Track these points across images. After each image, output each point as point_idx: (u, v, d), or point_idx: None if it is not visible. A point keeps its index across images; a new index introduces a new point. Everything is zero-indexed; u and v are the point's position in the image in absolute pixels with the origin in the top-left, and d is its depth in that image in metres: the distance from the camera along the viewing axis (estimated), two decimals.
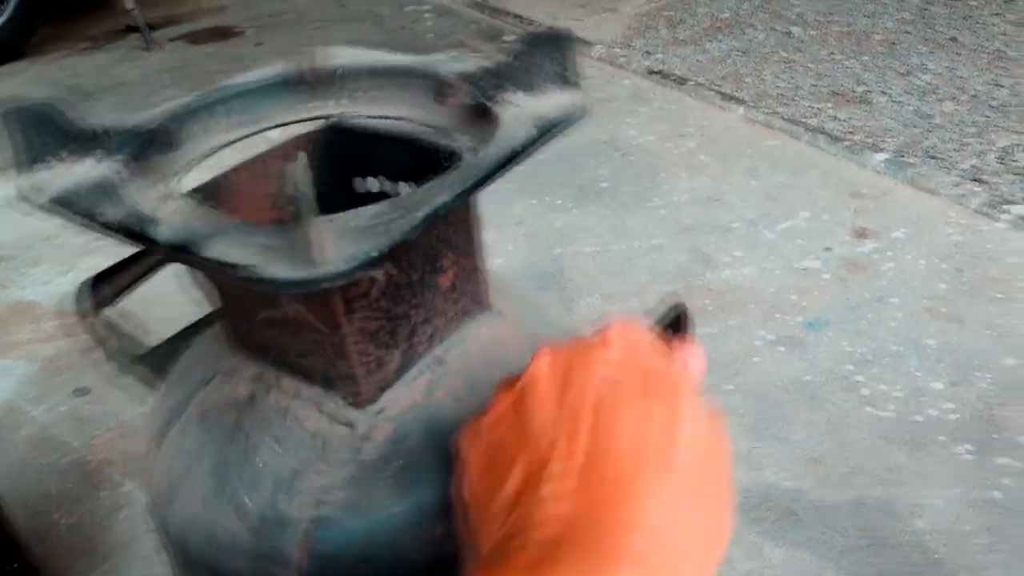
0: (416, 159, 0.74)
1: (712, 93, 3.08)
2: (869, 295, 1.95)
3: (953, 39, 3.38)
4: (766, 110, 2.93)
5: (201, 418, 0.65)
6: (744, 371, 1.75)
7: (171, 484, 0.64)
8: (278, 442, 0.62)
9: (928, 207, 2.26)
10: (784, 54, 3.47)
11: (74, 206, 0.55)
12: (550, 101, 0.67)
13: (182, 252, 0.51)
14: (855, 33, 3.56)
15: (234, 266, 0.48)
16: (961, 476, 1.47)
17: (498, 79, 0.68)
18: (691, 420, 0.40)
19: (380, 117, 0.77)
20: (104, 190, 0.57)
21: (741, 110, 2.93)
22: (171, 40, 4.20)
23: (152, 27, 4.16)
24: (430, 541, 0.62)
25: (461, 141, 0.71)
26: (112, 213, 0.54)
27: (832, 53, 3.43)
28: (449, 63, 0.74)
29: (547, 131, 0.62)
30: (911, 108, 2.90)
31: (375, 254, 0.49)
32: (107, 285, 0.77)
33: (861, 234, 2.18)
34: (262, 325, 0.64)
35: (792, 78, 3.23)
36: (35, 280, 2.28)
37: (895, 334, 1.81)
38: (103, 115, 0.64)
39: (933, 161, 2.53)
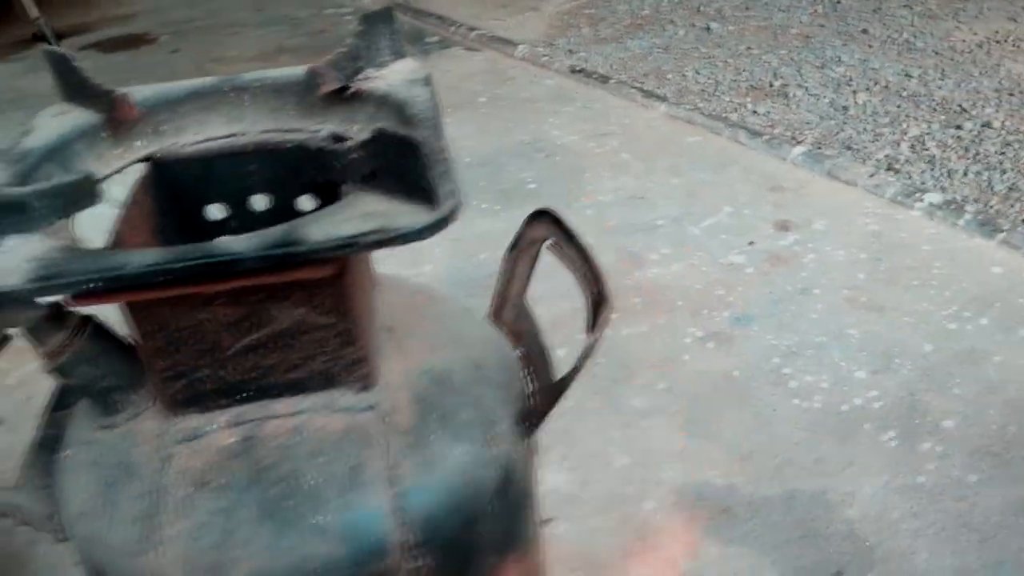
0: (273, 164, 0.77)
1: (634, 91, 3.10)
2: (792, 288, 1.98)
3: (865, 31, 3.47)
4: (688, 106, 2.96)
5: (198, 488, 0.62)
6: (675, 370, 1.76)
7: (210, 562, 0.60)
8: (314, 456, 0.63)
9: (846, 198, 2.31)
10: (704, 50, 3.52)
11: (84, 273, 0.51)
12: (398, 71, 0.74)
13: (285, 251, 0.52)
14: (772, 27, 3.63)
15: (361, 236, 0.53)
16: (887, 463, 1.50)
17: (353, 61, 0.74)
18: None
19: (209, 140, 0.78)
20: (83, 253, 0.54)
21: (663, 107, 2.96)
22: (81, 49, 4.06)
23: (60, 36, 4.02)
24: (498, 459, 0.70)
25: (329, 126, 0.75)
26: (150, 257, 0.52)
27: (750, 48, 3.48)
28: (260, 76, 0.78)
29: (427, 84, 0.71)
30: (827, 100, 2.96)
31: (458, 187, 0.56)
32: None
33: (783, 227, 2.22)
34: (235, 360, 0.62)
35: (712, 73, 3.28)
36: None
37: (818, 325, 1.85)
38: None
39: (849, 152, 2.59)
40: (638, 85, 3.17)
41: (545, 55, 3.53)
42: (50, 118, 0.74)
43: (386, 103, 0.74)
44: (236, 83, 0.80)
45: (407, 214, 0.56)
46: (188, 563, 0.63)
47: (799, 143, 2.64)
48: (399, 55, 0.79)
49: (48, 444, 0.77)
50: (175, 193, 0.78)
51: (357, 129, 0.75)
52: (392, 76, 0.77)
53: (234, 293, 0.61)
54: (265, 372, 0.66)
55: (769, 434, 1.59)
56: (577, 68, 3.36)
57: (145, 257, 0.53)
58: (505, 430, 0.75)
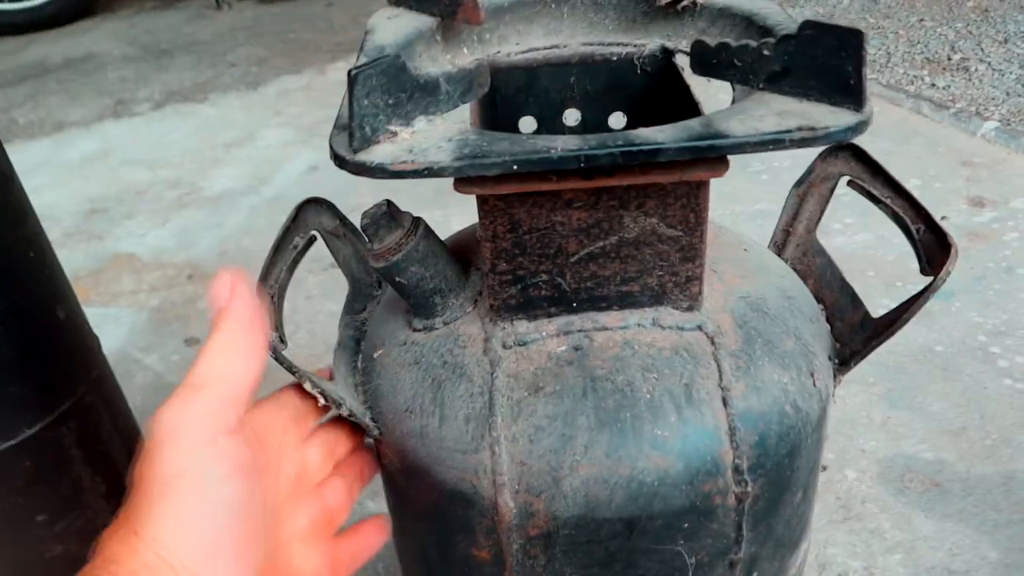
0: (595, 77, 0.75)
1: None
2: (994, 265, 1.88)
3: None
4: None
5: (533, 392, 0.62)
6: None
7: (547, 465, 0.60)
8: (647, 370, 0.60)
9: None
10: (872, 20, 3.37)
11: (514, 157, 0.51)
12: None
13: (709, 144, 0.50)
14: None
15: (786, 133, 0.50)
16: None
17: None
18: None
19: (532, 50, 0.77)
20: (498, 136, 0.53)
21: None
22: (239, 0, 4.17)
23: None
24: (820, 392, 0.68)
25: (656, 39, 0.73)
26: (572, 143, 0.52)
27: (922, 20, 3.31)
28: None
29: None
30: (1013, 76, 2.79)
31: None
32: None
33: (978, 203, 2.10)
34: (575, 268, 0.61)
35: (883, 44, 3.13)
36: (131, 232, 2.27)
37: None
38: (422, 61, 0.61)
39: None
40: None
41: None
42: (385, 20, 0.74)
43: (726, 16, 0.71)
44: None
45: (826, 114, 0.53)
46: (525, 464, 0.61)
47: (987, 118, 2.49)
48: None
49: (349, 345, 0.78)
50: (493, 102, 0.77)
51: (685, 43, 0.74)
52: None
53: (594, 196, 0.59)
54: (600, 283, 0.64)
55: (980, 412, 1.51)
56: None
57: (568, 142, 0.51)
58: (823, 364, 0.72)
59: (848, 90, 0.52)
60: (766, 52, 0.55)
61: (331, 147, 0.51)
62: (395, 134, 0.51)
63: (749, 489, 0.65)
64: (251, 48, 3.53)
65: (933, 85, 2.79)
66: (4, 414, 0.95)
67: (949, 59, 2.97)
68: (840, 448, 1.47)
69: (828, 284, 0.84)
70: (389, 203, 0.64)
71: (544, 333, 0.65)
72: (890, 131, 2.48)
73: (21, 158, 2.66)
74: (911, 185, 2.17)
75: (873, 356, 1.68)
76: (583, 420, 0.61)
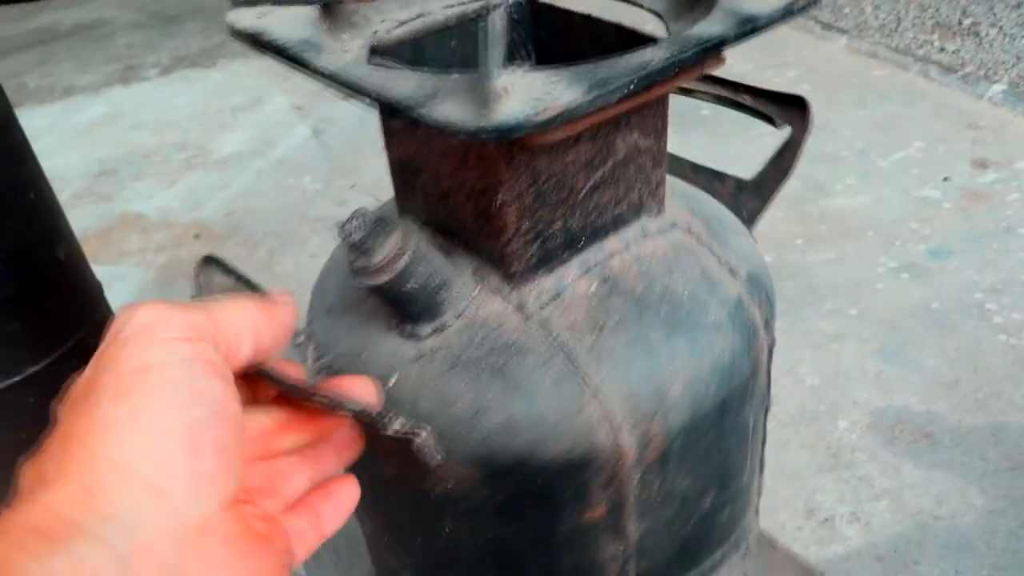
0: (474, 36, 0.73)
1: (811, 23, 2.97)
2: (994, 226, 1.88)
3: None
4: (870, 40, 2.82)
5: (598, 333, 0.63)
6: (867, 297, 1.71)
7: (652, 388, 0.62)
8: (669, 272, 0.68)
9: None
10: None
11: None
12: None
13: (753, 27, 0.54)
14: None
15: (791, 4, 0.55)
16: None
17: None
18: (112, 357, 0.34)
19: (411, 21, 0.76)
20: (597, 67, 0.53)
21: (844, 40, 2.83)
22: None
23: None
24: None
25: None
26: (661, 52, 0.53)
27: None
28: None
29: None
30: None
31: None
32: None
33: (981, 164, 2.10)
34: (582, 204, 0.64)
35: (894, 9, 3.10)
36: (140, 193, 2.30)
37: None
38: None
39: None
40: (813, 17, 3.04)
41: None
42: (257, 20, 0.65)
43: None
44: None
45: None
46: (632, 396, 0.61)
47: (995, 82, 2.48)
48: None
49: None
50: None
51: None
52: None
53: (594, 126, 0.59)
54: (601, 211, 0.64)
55: (973, 366, 1.52)
56: None
57: (651, 55, 0.52)
58: (746, 228, 0.80)
59: None
60: None
61: (445, 119, 0.47)
62: (506, 90, 0.49)
63: (774, 338, 0.71)
64: None
65: (942, 49, 2.77)
66: (8, 351, 0.98)
67: (960, 23, 2.95)
68: (832, 400, 1.49)
69: (682, 174, 0.87)
70: (366, 210, 0.55)
71: (569, 279, 0.63)
72: (896, 95, 2.47)
73: (31, 122, 2.69)
74: (914, 147, 2.18)
75: (868, 312, 1.69)
76: (655, 335, 0.62)
